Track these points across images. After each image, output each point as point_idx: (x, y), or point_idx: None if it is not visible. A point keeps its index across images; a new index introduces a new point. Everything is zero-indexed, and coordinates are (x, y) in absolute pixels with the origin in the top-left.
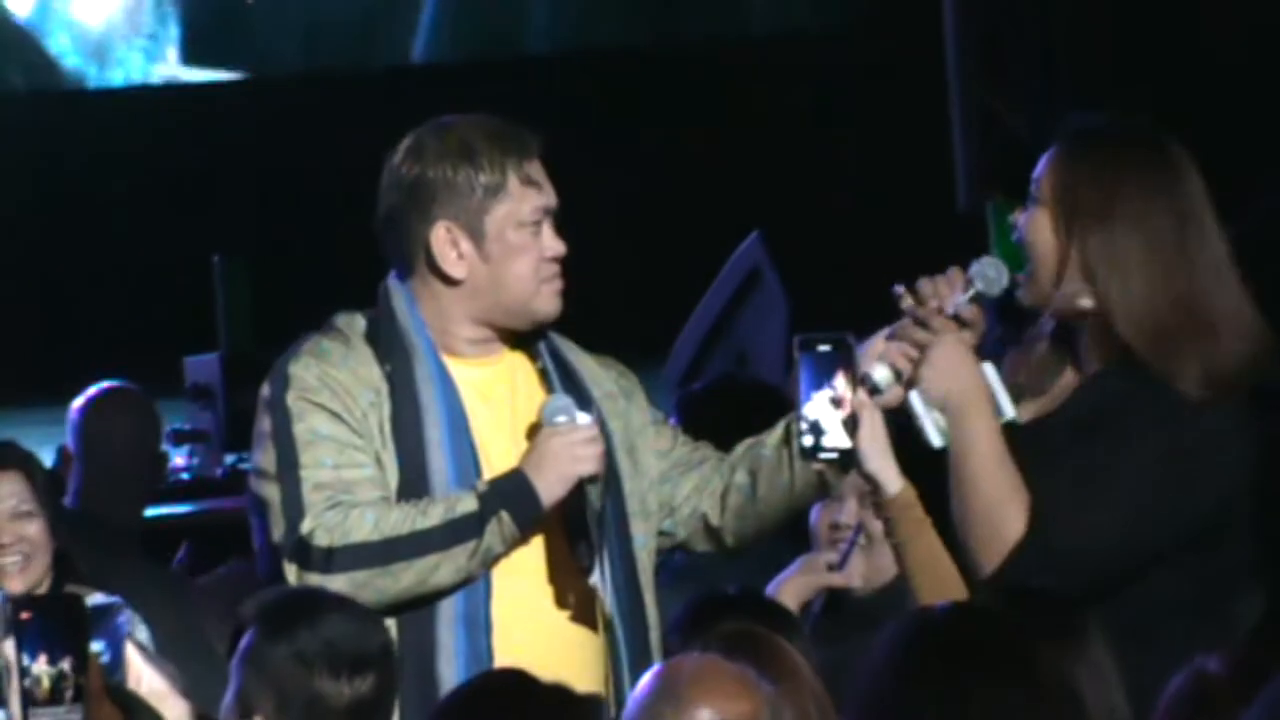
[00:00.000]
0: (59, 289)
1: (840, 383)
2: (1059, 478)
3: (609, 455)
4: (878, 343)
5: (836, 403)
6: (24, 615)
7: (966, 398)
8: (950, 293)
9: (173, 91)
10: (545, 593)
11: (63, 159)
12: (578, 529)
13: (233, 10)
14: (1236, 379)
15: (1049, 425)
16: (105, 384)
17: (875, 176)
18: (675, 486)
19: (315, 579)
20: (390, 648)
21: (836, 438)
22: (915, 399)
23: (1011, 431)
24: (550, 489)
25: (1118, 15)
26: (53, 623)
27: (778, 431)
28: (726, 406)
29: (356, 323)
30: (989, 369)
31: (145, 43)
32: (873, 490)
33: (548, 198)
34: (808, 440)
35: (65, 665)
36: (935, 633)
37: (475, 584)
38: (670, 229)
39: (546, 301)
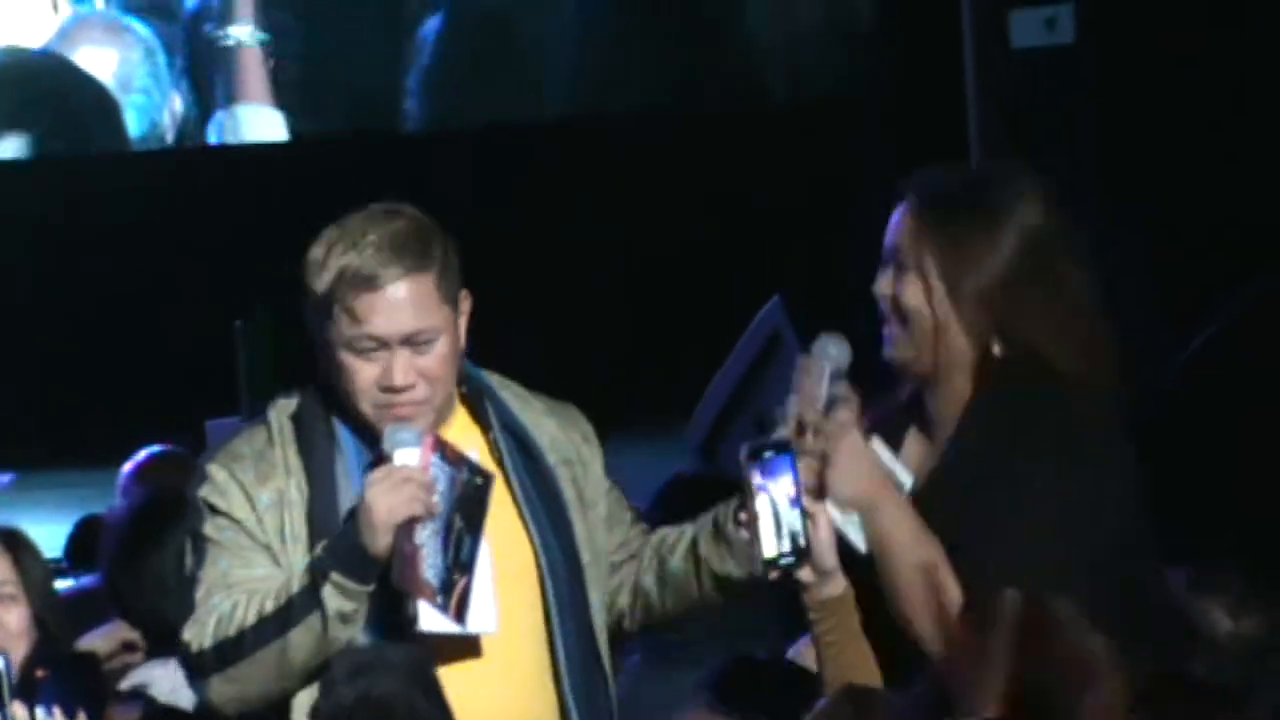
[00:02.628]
0: (79, 354)
1: (789, 486)
2: (972, 531)
3: (562, 517)
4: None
5: (790, 507)
6: (40, 673)
7: (871, 490)
8: (815, 388)
9: (192, 154)
10: (477, 662)
11: (82, 222)
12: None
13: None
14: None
15: (942, 480)
16: (154, 448)
17: None
18: (614, 572)
19: (200, 684)
20: None
21: (793, 541)
22: (832, 509)
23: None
24: (374, 540)
25: (1140, 73)
26: (68, 681)
27: (685, 541)
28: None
29: (285, 410)
30: (877, 444)
31: (140, 98)
32: (809, 589)
33: (371, 329)
34: (768, 551)
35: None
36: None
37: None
38: (691, 293)
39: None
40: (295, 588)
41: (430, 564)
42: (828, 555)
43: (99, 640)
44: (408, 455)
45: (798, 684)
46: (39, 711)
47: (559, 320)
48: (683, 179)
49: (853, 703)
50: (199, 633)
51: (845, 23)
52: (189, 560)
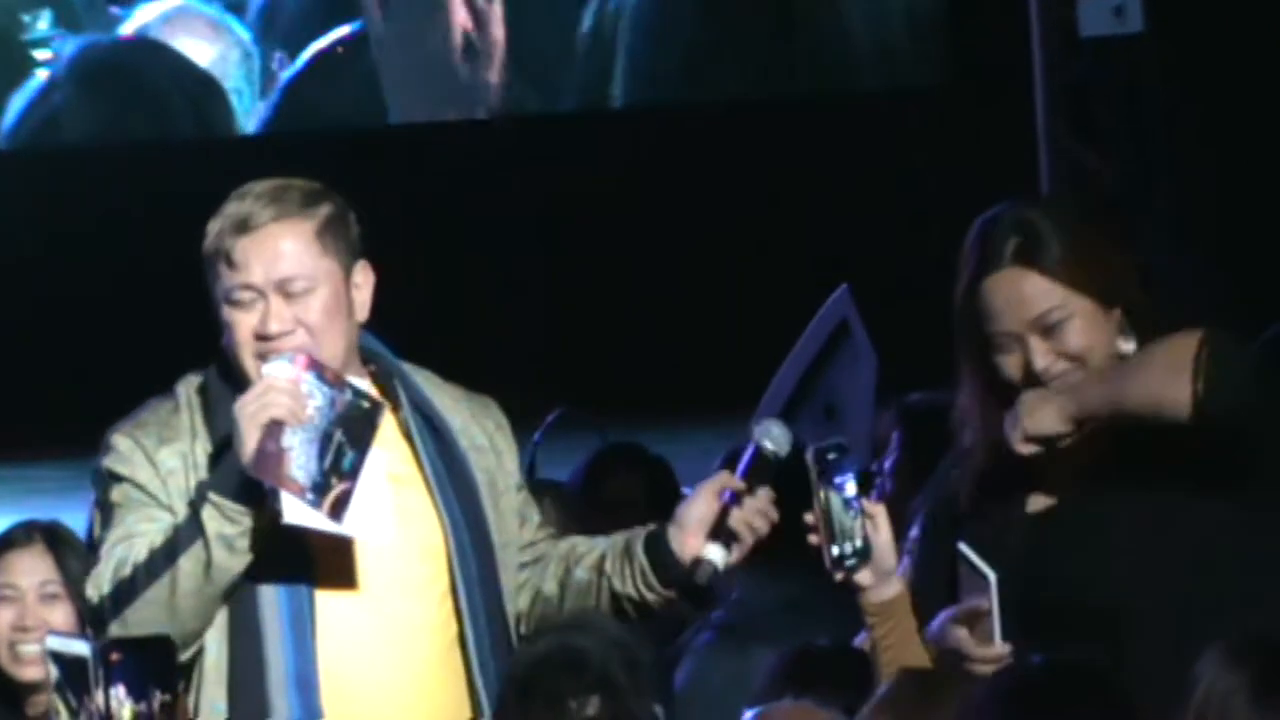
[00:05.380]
0: (134, 343)
1: (850, 487)
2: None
3: (473, 499)
4: (697, 522)
5: (850, 508)
6: (114, 657)
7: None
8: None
9: (256, 143)
10: (378, 638)
11: (139, 208)
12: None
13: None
14: None
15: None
16: None
17: (964, 232)
18: (519, 572)
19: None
20: None
21: (854, 542)
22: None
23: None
24: (241, 447)
25: (1209, 61)
26: (141, 664)
27: (594, 554)
28: None
29: (192, 384)
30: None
31: (231, 97)
32: (866, 591)
33: (245, 276)
34: (835, 550)
35: (148, 705)
36: (1032, 687)
37: (304, 640)
38: (757, 281)
39: None
40: (180, 519)
41: (300, 465)
42: (887, 556)
43: None
44: (276, 369)
45: (861, 671)
46: (111, 695)
47: (632, 304)
48: (749, 168)
49: (919, 687)
50: (98, 584)
51: (912, 14)
52: (96, 531)
